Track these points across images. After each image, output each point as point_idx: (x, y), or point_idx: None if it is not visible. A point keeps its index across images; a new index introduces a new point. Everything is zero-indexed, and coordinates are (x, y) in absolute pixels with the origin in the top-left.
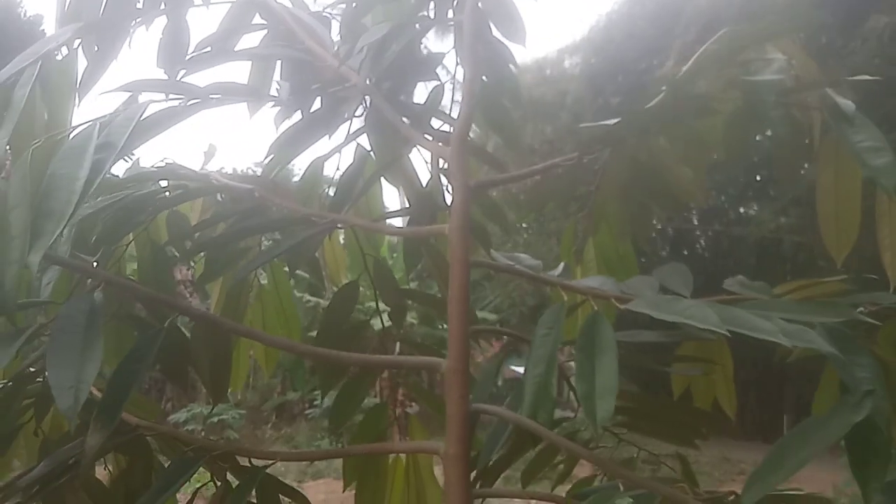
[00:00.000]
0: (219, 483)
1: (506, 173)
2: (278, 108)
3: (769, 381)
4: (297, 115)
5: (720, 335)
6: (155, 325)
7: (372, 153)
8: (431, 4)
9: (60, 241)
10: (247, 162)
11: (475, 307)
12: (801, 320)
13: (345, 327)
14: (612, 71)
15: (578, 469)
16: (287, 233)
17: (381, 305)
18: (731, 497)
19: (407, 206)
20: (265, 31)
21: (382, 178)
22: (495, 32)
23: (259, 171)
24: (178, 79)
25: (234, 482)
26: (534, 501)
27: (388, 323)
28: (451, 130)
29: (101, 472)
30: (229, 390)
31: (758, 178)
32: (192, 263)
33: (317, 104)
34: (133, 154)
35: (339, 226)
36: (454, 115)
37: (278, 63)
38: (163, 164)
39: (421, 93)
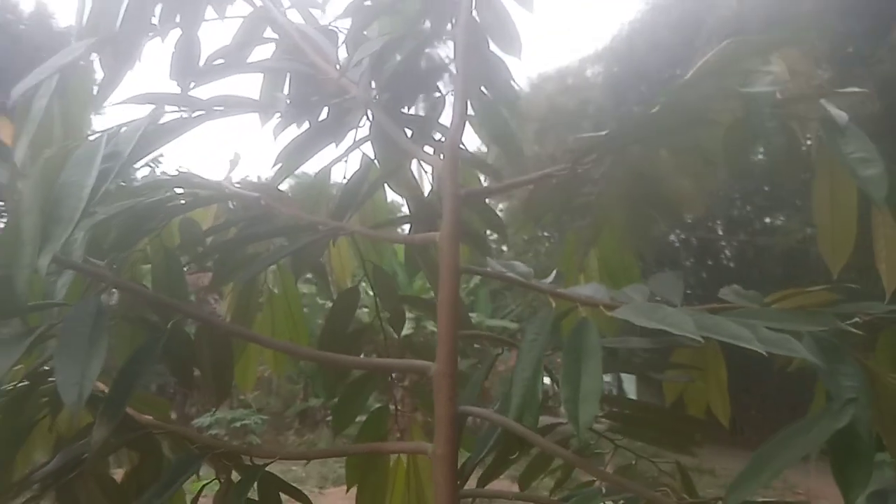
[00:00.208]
0: (222, 480)
1: (500, 183)
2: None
3: (782, 391)
4: (301, 126)
5: (714, 343)
6: (162, 327)
7: (376, 161)
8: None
9: (75, 245)
10: (272, 171)
11: (496, 315)
12: (786, 329)
13: (346, 332)
14: (634, 80)
15: (583, 473)
16: (292, 239)
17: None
18: (717, 503)
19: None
20: (276, 44)
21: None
22: (493, 46)
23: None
24: (189, 90)
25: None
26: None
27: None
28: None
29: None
30: (243, 392)
31: (785, 188)
32: None
33: (323, 115)
34: (160, 161)
35: (340, 233)
36: None
37: (288, 75)
38: (178, 172)
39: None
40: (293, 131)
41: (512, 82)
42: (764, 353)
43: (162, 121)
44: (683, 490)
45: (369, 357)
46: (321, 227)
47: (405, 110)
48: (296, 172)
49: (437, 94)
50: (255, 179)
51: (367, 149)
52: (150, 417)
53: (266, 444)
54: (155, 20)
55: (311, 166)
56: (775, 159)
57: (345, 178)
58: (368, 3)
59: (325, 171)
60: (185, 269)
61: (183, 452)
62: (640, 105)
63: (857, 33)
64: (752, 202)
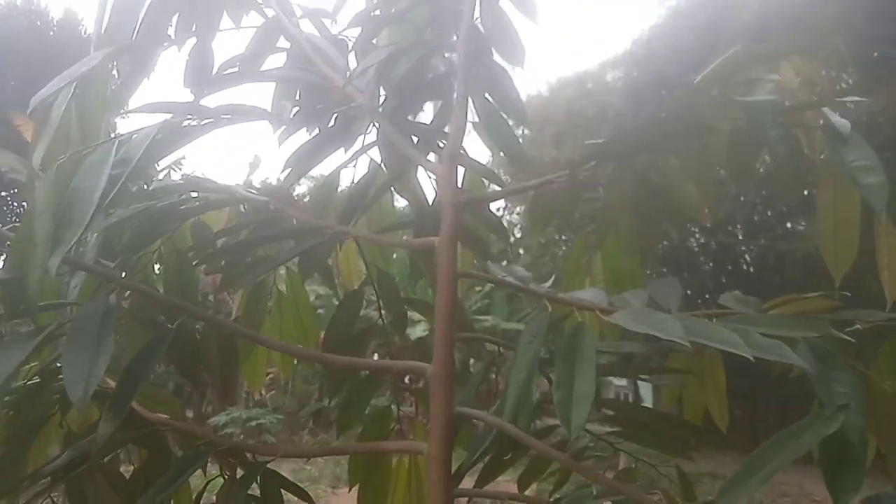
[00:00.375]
0: (226, 477)
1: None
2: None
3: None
4: (311, 131)
5: (713, 349)
6: (169, 327)
7: (383, 166)
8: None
9: (88, 246)
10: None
11: (512, 319)
12: (780, 335)
13: (349, 334)
14: (654, 85)
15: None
16: (299, 242)
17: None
18: None
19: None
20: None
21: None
22: (497, 56)
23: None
24: (201, 97)
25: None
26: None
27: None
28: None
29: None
30: (258, 392)
31: (805, 192)
32: None
33: (332, 122)
34: (182, 163)
35: (345, 237)
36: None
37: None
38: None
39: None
40: (303, 137)
41: (514, 90)
42: (751, 359)
43: (172, 128)
44: (682, 493)
45: (382, 357)
46: (328, 230)
47: (411, 118)
48: (313, 175)
49: (442, 103)
50: (274, 182)
51: (376, 153)
52: (163, 415)
53: (281, 443)
54: (171, 30)
55: (327, 169)
56: (779, 167)
57: (353, 181)
58: (377, 13)
59: (335, 175)
60: (196, 269)
61: (189, 449)
62: (659, 108)
63: (883, 37)
64: (774, 207)
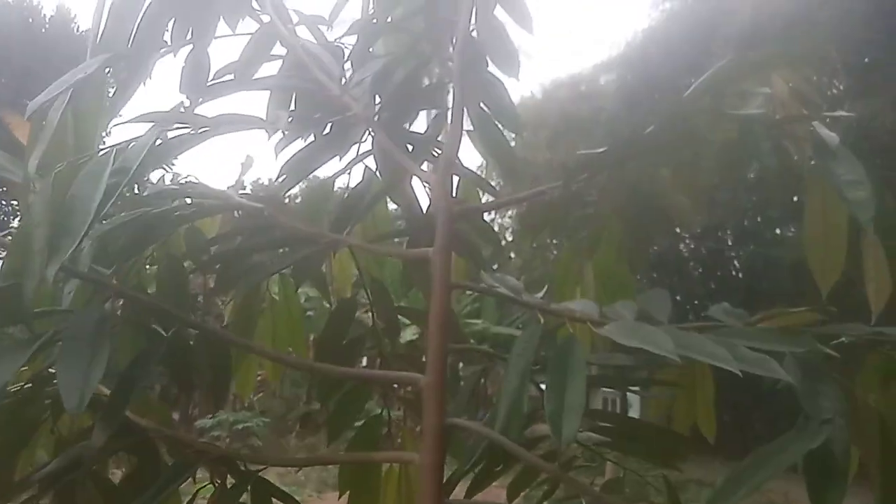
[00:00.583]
0: (217, 484)
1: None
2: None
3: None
4: (306, 139)
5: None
6: (163, 334)
7: (378, 174)
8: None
9: (82, 253)
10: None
11: (503, 323)
12: (767, 349)
13: (342, 341)
14: (648, 88)
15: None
16: (294, 250)
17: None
18: None
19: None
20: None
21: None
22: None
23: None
24: (197, 105)
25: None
26: None
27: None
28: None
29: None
30: (243, 396)
31: (794, 199)
32: None
33: (327, 130)
34: (173, 164)
35: (339, 245)
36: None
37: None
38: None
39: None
40: (298, 144)
41: (508, 98)
42: (738, 373)
43: (169, 137)
44: (669, 502)
45: (371, 361)
46: (322, 239)
47: (406, 126)
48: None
49: (437, 112)
50: (266, 182)
51: (371, 161)
52: (149, 422)
53: (267, 447)
54: (167, 36)
55: (321, 172)
56: (768, 174)
57: (347, 188)
58: (374, 21)
59: (329, 182)
60: (191, 275)
61: (179, 457)
62: (652, 113)
63: (875, 42)
64: (763, 213)
